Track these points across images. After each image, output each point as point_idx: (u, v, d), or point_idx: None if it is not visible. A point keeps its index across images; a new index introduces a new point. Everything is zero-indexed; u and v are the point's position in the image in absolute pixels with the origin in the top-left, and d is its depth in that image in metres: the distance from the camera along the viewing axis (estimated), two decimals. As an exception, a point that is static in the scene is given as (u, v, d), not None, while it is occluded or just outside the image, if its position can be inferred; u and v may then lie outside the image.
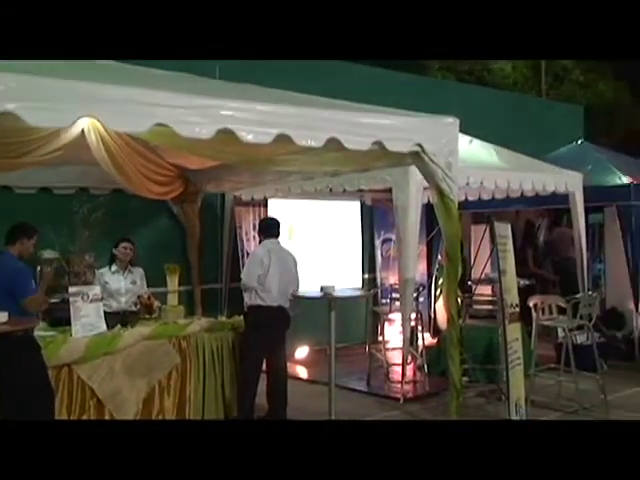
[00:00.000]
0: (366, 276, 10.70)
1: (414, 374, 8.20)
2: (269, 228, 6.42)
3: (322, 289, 5.88)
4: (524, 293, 9.14)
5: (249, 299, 6.19)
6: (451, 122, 5.57)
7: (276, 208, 9.04)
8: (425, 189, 6.80)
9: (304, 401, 6.84)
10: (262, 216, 8.51)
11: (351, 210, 10.53)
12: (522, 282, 9.38)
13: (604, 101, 23.18)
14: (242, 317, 6.38)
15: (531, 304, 7.20)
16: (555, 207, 10.18)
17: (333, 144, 4.69)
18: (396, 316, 8.20)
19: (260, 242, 6.50)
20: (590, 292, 7.97)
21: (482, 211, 10.04)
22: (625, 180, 9.38)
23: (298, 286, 6.37)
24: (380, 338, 8.41)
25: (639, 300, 9.22)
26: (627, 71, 23.41)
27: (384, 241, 10.57)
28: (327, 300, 5.87)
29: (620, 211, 9.27)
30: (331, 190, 7.66)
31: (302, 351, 9.33)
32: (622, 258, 9.27)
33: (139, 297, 6.68)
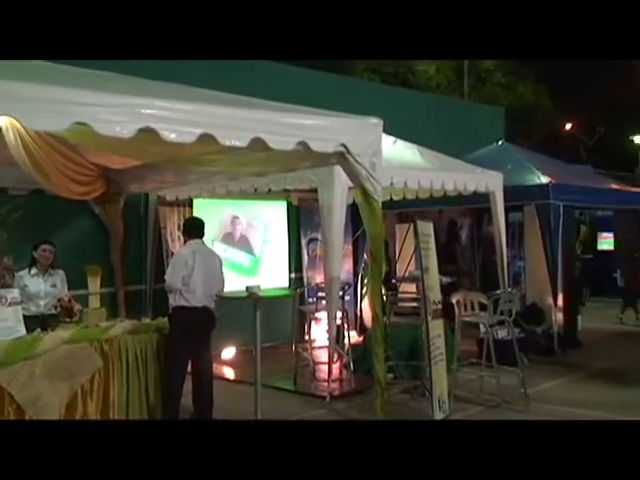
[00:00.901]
0: (293, 275, 10.73)
1: (340, 372, 8.27)
2: (194, 228, 6.36)
3: (247, 289, 5.86)
4: (447, 290, 9.38)
5: (173, 300, 6.11)
6: (375, 123, 5.63)
7: (201, 208, 8.97)
8: (350, 189, 6.85)
9: (230, 402, 6.80)
10: (187, 216, 8.42)
11: (277, 210, 10.53)
12: (445, 279, 9.58)
13: (525, 103, 23.86)
14: (167, 319, 6.29)
15: (454, 301, 7.34)
16: (477, 206, 10.40)
17: (258, 144, 4.68)
18: (322, 315, 8.25)
19: (185, 242, 6.42)
20: (510, 289, 8.18)
21: (406, 210, 10.21)
22: (544, 180, 9.64)
23: (223, 287, 6.33)
24: (307, 337, 8.43)
25: (558, 296, 9.54)
26: (547, 74, 24.21)
27: (310, 240, 10.63)
28: (252, 300, 5.85)
29: (539, 210, 9.55)
30: (256, 190, 7.63)
31: (229, 351, 9.28)
32: (541, 255, 9.55)
33: (59, 300, 6.51)
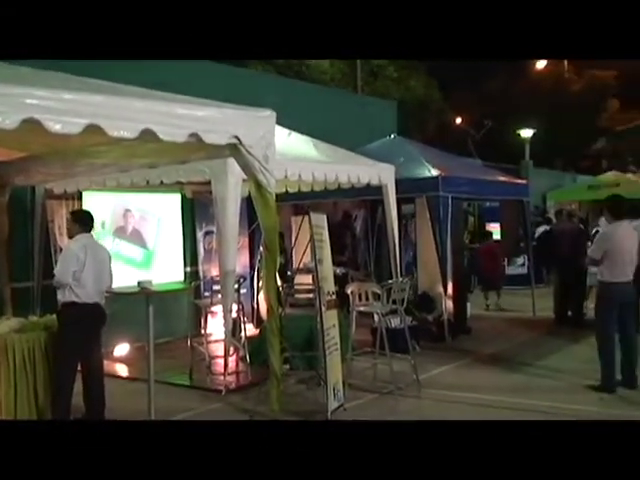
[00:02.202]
0: (188, 269, 10.60)
1: (237, 365, 8.25)
2: (83, 222, 6.17)
3: (139, 284, 5.76)
4: (341, 281, 9.51)
5: (63, 296, 5.92)
6: (268, 115, 5.64)
7: (91, 201, 8.72)
8: (245, 181, 6.83)
9: (123, 400, 6.68)
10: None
11: (171, 203, 10.36)
12: (339, 270, 9.72)
13: (416, 97, 24.42)
14: (55, 316, 6.10)
15: (348, 291, 7.46)
16: (371, 198, 10.59)
17: (148, 135, 4.58)
18: (218, 308, 8.19)
19: (71, 237, 6.22)
20: (402, 278, 8.38)
21: (301, 203, 10.27)
22: (434, 172, 9.90)
23: (112, 282, 6.19)
24: (203, 331, 8.36)
25: (447, 284, 9.85)
26: (437, 68, 24.86)
27: (206, 233, 10.53)
28: (144, 295, 5.75)
29: (429, 201, 9.82)
30: (148, 183, 7.48)
31: (122, 348, 9.08)
32: (432, 246, 9.83)
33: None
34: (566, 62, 33.56)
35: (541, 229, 14.50)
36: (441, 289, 9.84)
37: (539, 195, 20.86)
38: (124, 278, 7.16)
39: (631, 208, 9.67)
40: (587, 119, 31.75)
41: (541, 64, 32.42)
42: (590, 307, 9.12)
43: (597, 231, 11.95)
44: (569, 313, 11.07)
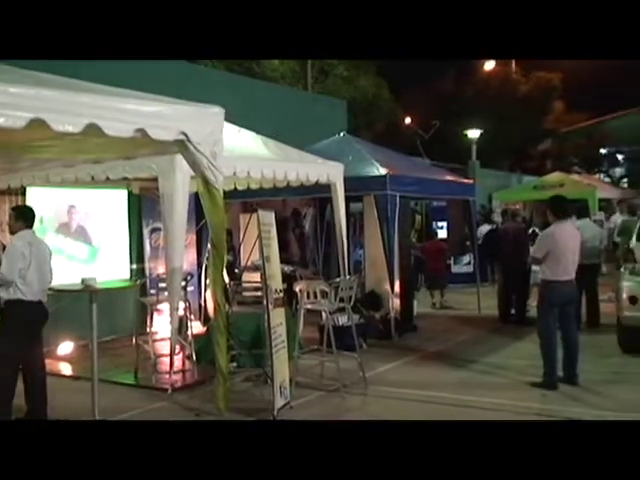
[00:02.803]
0: (134, 266, 10.45)
1: (183, 364, 8.19)
2: (26, 218, 6.04)
3: (83, 281, 5.66)
4: (290, 279, 9.52)
5: (7, 294, 5.78)
6: (217, 112, 5.62)
7: (35, 197, 8.54)
8: (192, 178, 6.77)
9: (67, 399, 6.57)
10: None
11: (117, 199, 10.21)
12: (287, 268, 9.72)
13: (366, 96, 24.55)
14: (-2, 314, 5.95)
15: (297, 289, 7.47)
16: (320, 196, 10.61)
17: (93, 130, 4.52)
18: (164, 306, 8.12)
19: (12, 233, 6.07)
20: (350, 276, 8.43)
21: (250, 200, 10.24)
22: (382, 171, 9.96)
23: (52, 279, 6.07)
24: (148, 329, 8.27)
25: (394, 282, 9.94)
26: (387, 68, 25.06)
27: (153, 230, 10.40)
28: (88, 293, 5.66)
29: (377, 200, 9.87)
30: (93, 178, 7.36)
31: (66, 347, 8.91)
32: (380, 244, 9.89)
33: None
34: (514, 64, 34.17)
35: (485, 228, 14.76)
36: (388, 287, 9.91)
37: (486, 195, 21.22)
38: (68, 275, 7.03)
39: (575, 208, 9.95)
40: (533, 120, 32.36)
41: (489, 65, 32.93)
42: (533, 305, 9.31)
43: (534, 231, 12.25)
44: (513, 311, 11.27)
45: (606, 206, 20.96)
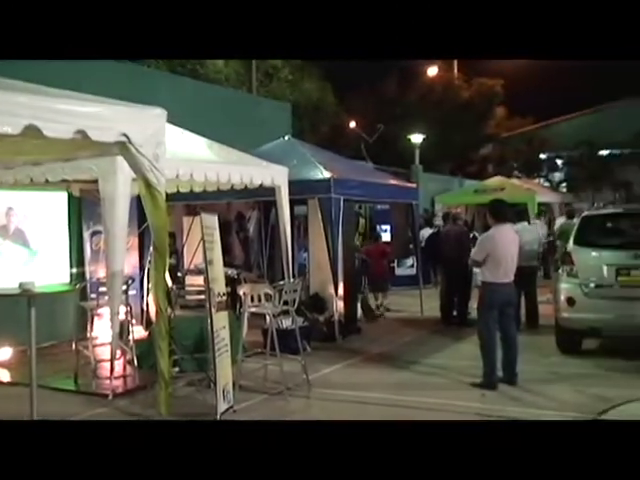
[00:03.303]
0: (74, 270, 10.25)
1: (124, 369, 8.07)
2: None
3: (21, 285, 5.53)
4: (234, 282, 9.48)
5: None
6: (159, 113, 5.56)
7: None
8: (134, 180, 6.69)
9: (4, 405, 6.42)
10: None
11: (57, 201, 10.00)
12: (231, 272, 9.68)
13: (311, 99, 24.62)
14: None
15: (241, 292, 7.44)
16: (264, 199, 10.59)
17: (32, 131, 4.43)
18: (105, 311, 7.99)
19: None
20: (294, 279, 8.44)
21: (194, 203, 10.16)
22: (326, 174, 10.01)
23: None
24: (89, 334, 8.13)
25: (339, 285, 9.99)
26: (332, 72, 25.19)
27: (93, 233, 10.22)
28: (26, 297, 5.53)
29: (321, 203, 9.92)
30: (32, 180, 7.21)
31: (4, 352, 8.70)
32: (324, 247, 9.94)
33: None
34: (456, 69, 34.72)
35: (427, 232, 14.96)
36: (332, 290, 9.96)
37: (428, 198, 21.49)
38: (6, 279, 6.87)
39: (514, 212, 10.17)
40: (475, 125, 32.92)
41: (432, 71, 33.40)
42: (474, 307, 9.46)
43: (474, 235, 12.48)
44: (455, 313, 11.45)
45: (545, 210, 21.49)
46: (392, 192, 12.30)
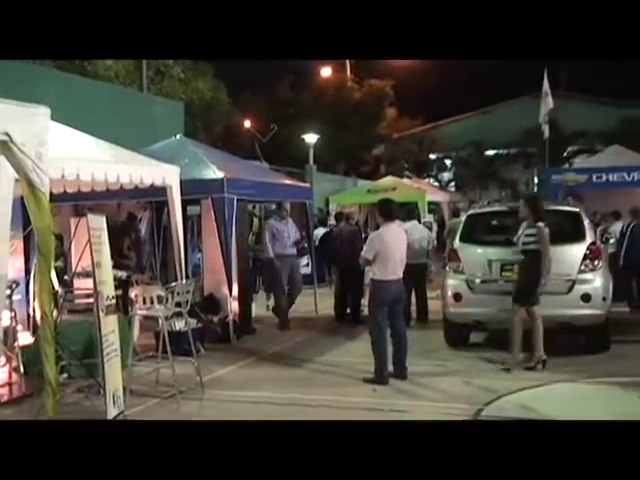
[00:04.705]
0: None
1: (10, 376, 7.72)
2: None
3: None
4: (125, 285, 9.29)
5: None
6: (42, 111, 5.39)
7: None
8: (18, 180, 6.44)
9: None
10: None
11: None
12: (120, 274, 9.47)
13: (204, 98, 24.36)
14: None
15: (132, 295, 7.31)
16: (156, 199, 10.40)
17: None
18: (-12, 316, 7.64)
19: None
20: (187, 280, 8.35)
21: (82, 203, 9.87)
22: (219, 174, 9.94)
23: None
24: (-30, 341, 7.76)
25: (233, 285, 9.96)
26: (225, 71, 25.03)
27: (-25, 236, 9.75)
28: None
29: (214, 203, 9.85)
30: None
31: None
32: (218, 247, 9.88)
33: None
34: (349, 70, 35.23)
35: (321, 231, 15.12)
36: (226, 290, 9.92)
37: (323, 198, 21.72)
38: None
39: (404, 211, 10.44)
40: (367, 126, 33.52)
41: (326, 72, 33.79)
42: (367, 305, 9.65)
43: (367, 234, 12.73)
44: (348, 310, 11.63)
45: (435, 209, 22.15)
46: (286, 192, 12.36)
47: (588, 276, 8.42)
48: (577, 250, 8.54)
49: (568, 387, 7.26)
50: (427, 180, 32.69)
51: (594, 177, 18.43)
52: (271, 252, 11.08)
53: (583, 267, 8.42)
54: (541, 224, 7.90)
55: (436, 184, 32.73)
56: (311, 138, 23.34)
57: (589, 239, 8.67)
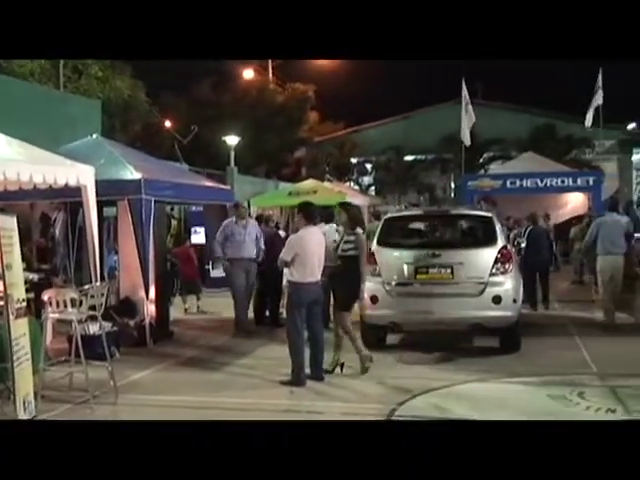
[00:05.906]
0: None
1: None
2: None
3: None
4: (38, 287, 9.04)
5: None
6: (-52, 108, 5.21)
7: None
8: None
9: None
10: None
11: None
12: (32, 276, 9.22)
13: (122, 97, 23.92)
14: None
15: (45, 298, 7.13)
16: (71, 200, 10.16)
17: None
18: None
19: None
20: (102, 283, 8.20)
21: (-6, 204, 9.55)
22: (136, 175, 9.78)
23: None
24: None
25: (150, 288, 9.82)
26: (144, 71, 24.66)
27: None
28: None
29: (131, 204, 9.68)
30: None
31: None
32: (134, 250, 9.72)
33: None
34: (271, 73, 35.27)
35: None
36: (143, 293, 9.78)
37: (244, 200, 21.63)
38: None
39: (323, 214, 10.52)
40: (289, 129, 33.61)
41: (248, 74, 33.73)
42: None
43: (287, 236, 12.77)
44: (267, 313, 11.63)
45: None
46: (206, 194, 12.26)
47: (499, 279, 8.70)
48: (489, 254, 8.81)
49: (480, 387, 7.49)
50: (348, 184, 33.04)
51: (508, 183, 19.11)
52: (219, 253, 10.94)
53: (494, 270, 8.69)
54: (359, 230, 8.15)
55: (356, 188, 33.13)
56: (232, 140, 23.25)
57: (500, 243, 8.96)
